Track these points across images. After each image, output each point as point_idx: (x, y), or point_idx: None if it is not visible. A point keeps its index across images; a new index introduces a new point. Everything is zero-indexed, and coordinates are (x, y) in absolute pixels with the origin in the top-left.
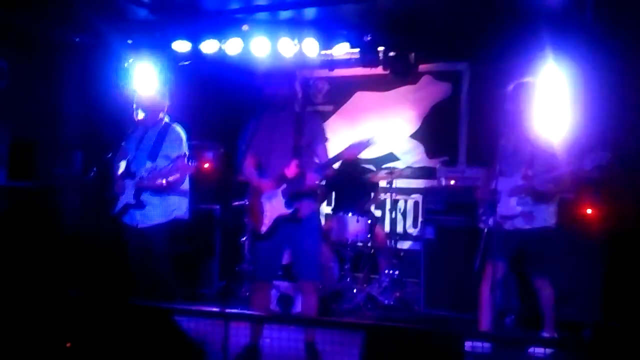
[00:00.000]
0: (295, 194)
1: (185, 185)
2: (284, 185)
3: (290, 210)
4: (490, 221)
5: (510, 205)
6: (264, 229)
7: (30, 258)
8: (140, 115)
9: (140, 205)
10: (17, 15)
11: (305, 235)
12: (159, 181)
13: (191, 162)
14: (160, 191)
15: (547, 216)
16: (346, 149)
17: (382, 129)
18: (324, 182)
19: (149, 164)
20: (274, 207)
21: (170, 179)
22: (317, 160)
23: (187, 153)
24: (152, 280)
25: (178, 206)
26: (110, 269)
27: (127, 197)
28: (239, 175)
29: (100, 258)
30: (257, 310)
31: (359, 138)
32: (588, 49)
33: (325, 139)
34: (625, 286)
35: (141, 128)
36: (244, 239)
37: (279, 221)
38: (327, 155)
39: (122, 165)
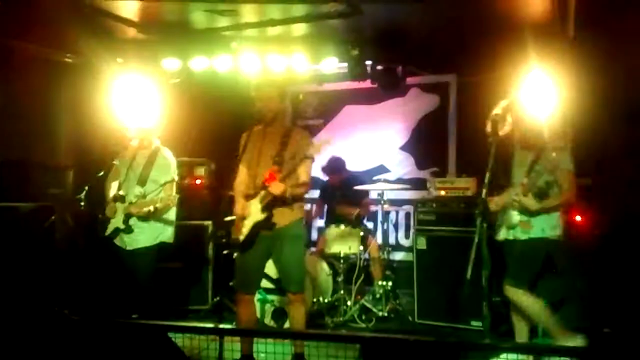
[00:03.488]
0: (272, 201)
1: (172, 213)
2: (262, 193)
3: (264, 216)
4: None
5: (511, 215)
6: (241, 237)
7: (22, 278)
8: (131, 135)
9: (129, 230)
10: (7, 35)
11: (286, 246)
12: (146, 209)
13: (177, 194)
14: (147, 217)
15: (545, 227)
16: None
17: (371, 142)
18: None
19: (138, 189)
20: (252, 214)
21: (158, 206)
22: (298, 177)
23: (175, 179)
24: (141, 299)
25: (163, 232)
26: (103, 288)
27: (117, 221)
28: (230, 190)
29: (93, 278)
30: (244, 323)
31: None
32: (571, 60)
33: (310, 157)
34: (617, 292)
35: (132, 149)
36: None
37: (257, 229)
38: (307, 172)
39: (114, 186)
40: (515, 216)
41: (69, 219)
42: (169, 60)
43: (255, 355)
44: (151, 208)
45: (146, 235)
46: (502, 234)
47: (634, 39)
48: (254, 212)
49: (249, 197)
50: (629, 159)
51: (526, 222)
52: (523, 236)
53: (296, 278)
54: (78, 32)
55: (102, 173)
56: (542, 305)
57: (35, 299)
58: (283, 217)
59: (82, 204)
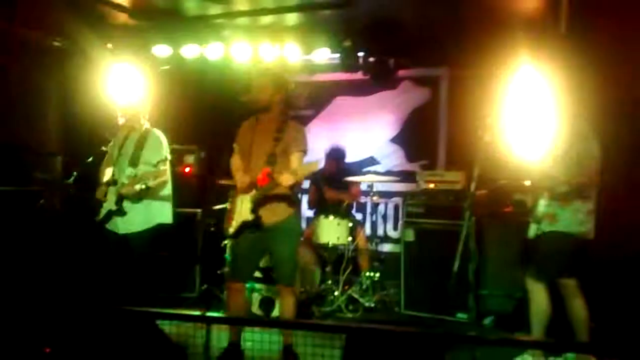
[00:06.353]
0: (262, 201)
1: (167, 191)
2: (253, 192)
3: (252, 218)
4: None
5: (540, 207)
6: (231, 230)
7: (10, 262)
8: (121, 120)
9: (122, 212)
10: None
11: (281, 240)
12: (137, 186)
13: (172, 167)
14: (142, 197)
15: (571, 222)
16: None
17: (362, 133)
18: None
19: (130, 171)
20: (242, 211)
21: (151, 184)
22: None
23: (168, 157)
24: (133, 285)
25: (160, 212)
26: (92, 273)
27: (110, 204)
28: (224, 176)
29: (82, 263)
30: (233, 311)
31: None
32: (563, 57)
33: (303, 150)
34: (601, 286)
35: (122, 133)
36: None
37: (244, 227)
38: (298, 164)
39: (107, 171)
40: (542, 207)
41: (57, 204)
42: (160, 47)
43: (242, 343)
44: (143, 185)
45: (141, 218)
46: (532, 231)
47: (626, 35)
48: (243, 210)
49: (242, 189)
50: (622, 157)
51: (552, 215)
52: (548, 228)
53: (288, 273)
54: (68, 16)
55: (91, 159)
56: (547, 313)
57: (24, 284)
58: (275, 213)
59: (71, 190)
